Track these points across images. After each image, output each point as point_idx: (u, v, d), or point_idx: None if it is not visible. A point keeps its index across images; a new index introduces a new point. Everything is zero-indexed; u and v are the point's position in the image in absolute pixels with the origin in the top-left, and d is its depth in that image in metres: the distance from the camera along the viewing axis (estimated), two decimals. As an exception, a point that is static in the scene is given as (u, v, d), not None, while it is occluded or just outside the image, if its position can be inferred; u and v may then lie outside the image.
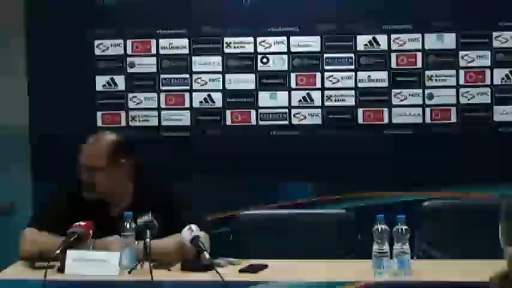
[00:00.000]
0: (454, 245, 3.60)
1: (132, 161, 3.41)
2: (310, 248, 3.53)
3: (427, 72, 4.67)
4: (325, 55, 4.71)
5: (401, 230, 2.97)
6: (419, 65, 4.68)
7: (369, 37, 4.69)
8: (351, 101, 4.71)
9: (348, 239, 3.67)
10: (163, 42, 4.78)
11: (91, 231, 3.15)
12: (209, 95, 4.77)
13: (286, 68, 4.73)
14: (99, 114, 4.81)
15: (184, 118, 4.78)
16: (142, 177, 3.45)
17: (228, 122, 4.77)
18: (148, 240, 3.03)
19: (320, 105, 4.72)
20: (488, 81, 4.65)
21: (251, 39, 4.74)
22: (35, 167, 4.82)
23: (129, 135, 3.90)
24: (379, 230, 2.96)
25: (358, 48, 4.70)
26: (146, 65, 4.79)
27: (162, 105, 4.79)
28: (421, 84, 4.68)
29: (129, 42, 4.79)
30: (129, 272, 3.01)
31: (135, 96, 4.81)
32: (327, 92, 4.72)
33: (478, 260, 3.05)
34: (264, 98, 4.75)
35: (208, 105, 4.78)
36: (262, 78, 4.75)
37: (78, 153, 3.37)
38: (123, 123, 4.79)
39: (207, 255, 3.03)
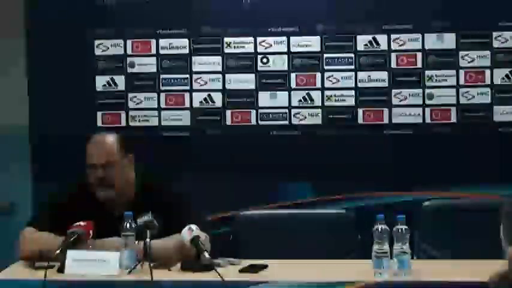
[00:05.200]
0: (454, 245, 3.61)
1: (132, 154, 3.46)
2: (310, 248, 3.54)
3: (427, 72, 4.67)
4: (325, 55, 4.71)
5: (401, 230, 2.97)
6: (419, 65, 4.68)
7: (369, 37, 4.69)
8: (351, 101, 4.71)
9: (348, 239, 3.67)
10: (163, 42, 4.78)
11: (91, 231, 3.15)
12: (209, 95, 4.77)
13: (286, 68, 4.73)
14: (99, 114, 4.81)
15: (184, 118, 4.78)
16: (142, 177, 3.45)
17: (228, 122, 4.77)
18: (148, 240, 3.03)
19: (320, 105, 4.72)
20: (488, 81, 4.65)
21: (251, 39, 4.74)
22: (35, 167, 4.82)
23: (129, 135, 3.89)
24: (379, 230, 2.96)
25: (358, 48, 4.70)
26: (146, 65, 4.79)
27: (162, 105, 4.79)
28: (421, 84, 4.68)
29: (129, 42, 4.79)
30: (129, 272, 3.01)
31: (135, 96, 4.81)
32: (327, 92, 4.72)
33: (478, 260, 3.05)
34: (264, 98, 4.75)
35: (208, 105, 4.78)
36: (262, 78, 4.75)
37: (83, 154, 3.37)
38: (123, 123, 4.79)
39: (207, 255, 3.03)
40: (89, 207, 3.33)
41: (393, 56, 4.69)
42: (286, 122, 4.74)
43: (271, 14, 4.71)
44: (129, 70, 4.80)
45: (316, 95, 4.72)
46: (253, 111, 4.75)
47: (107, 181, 3.34)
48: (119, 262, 3.03)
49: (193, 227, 3.13)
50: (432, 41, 4.66)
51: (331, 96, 4.72)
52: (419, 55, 4.67)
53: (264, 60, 4.74)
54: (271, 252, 3.32)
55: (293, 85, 4.73)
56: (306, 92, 4.72)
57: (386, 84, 4.69)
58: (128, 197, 3.39)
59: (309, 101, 4.72)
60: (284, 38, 4.73)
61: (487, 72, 4.64)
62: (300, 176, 4.71)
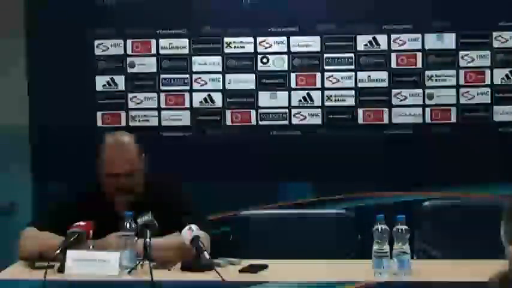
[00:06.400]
0: (454, 245, 3.61)
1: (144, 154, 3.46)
2: (310, 248, 3.54)
3: (427, 72, 4.67)
4: (325, 55, 4.71)
5: (401, 230, 2.97)
6: (419, 65, 4.68)
7: (369, 37, 4.69)
8: (351, 101, 4.71)
9: (348, 239, 3.67)
10: (163, 42, 4.78)
11: (91, 231, 3.15)
12: (209, 95, 4.77)
13: (286, 68, 4.73)
14: (99, 114, 4.81)
15: (184, 118, 4.78)
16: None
17: (228, 122, 4.77)
18: (148, 240, 3.03)
19: (320, 105, 4.72)
20: (488, 81, 4.65)
21: (251, 39, 4.74)
22: (35, 167, 4.82)
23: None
24: (379, 230, 2.97)
25: (358, 48, 4.70)
26: (146, 65, 4.79)
27: (162, 105, 4.79)
28: (421, 84, 4.68)
29: (129, 42, 4.79)
30: (129, 272, 3.01)
31: (135, 96, 4.80)
32: (327, 92, 4.72)
33: (478, 260, 3.05)
34: (264, 98, 4.74)
35: (208, 105, 4.77)
36: (262, 78, 4.75)
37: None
38: (123, 123, 4.79)
39: (207, 255, 3.03)
40: (97, 208, 3.30)
41: (393, 56, 4.69)
42: (286, 122, 4.74)
43: (271, 14, 4.71)
44: (129, 70, 4.80)
45: (316, 95, 4.72)
46: (253, 111, 4.75)
47: (129, 188, 3.32)
48: (118, 262, 3.03)
49: (193, 227, 3.13)
50: (432, 41, 4.66)
51: (331, 96, 4.72)
52: (419, 55, 4.67)
53: (264, 60, 4.74)
54: (271, 252, 3.32)
55: (293, 85, 4.73)
56: (306, 92, 4.72)
57: (386, 84, 4.69)
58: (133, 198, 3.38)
59: (309, 101, 4.72)
60: (284, 38, 4.72)
61: (487, 72, 4.64)
62: (300, 176, 4.71)
